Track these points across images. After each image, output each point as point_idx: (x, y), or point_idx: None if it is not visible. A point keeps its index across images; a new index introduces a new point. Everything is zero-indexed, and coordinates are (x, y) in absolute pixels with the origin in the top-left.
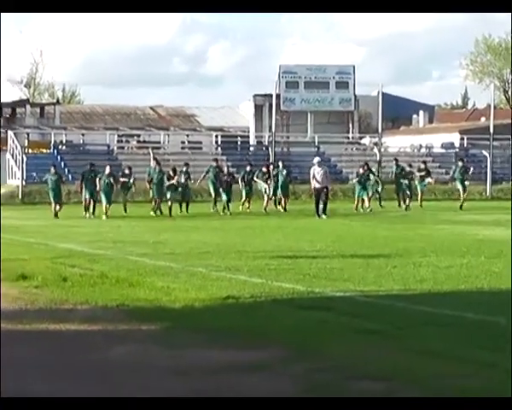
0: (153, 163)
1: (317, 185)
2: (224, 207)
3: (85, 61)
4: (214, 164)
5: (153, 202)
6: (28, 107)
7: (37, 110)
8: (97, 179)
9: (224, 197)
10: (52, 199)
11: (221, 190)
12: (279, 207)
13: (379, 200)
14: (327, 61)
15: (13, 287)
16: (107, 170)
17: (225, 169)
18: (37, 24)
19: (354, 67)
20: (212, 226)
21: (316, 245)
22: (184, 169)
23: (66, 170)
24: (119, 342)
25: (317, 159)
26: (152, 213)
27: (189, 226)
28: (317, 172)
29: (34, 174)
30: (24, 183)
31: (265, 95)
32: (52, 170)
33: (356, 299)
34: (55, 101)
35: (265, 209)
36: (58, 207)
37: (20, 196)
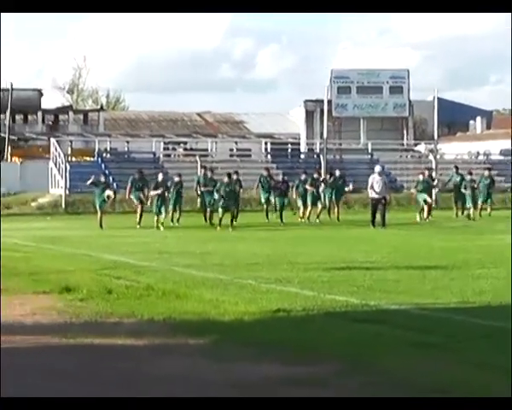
0: (200, 171)
1: (375, 195)
2: (277, 217)
3: (130, 66)
4: (265, 173)
5: (207, 212)
6: (71, 113)
7: (81, 117)
8: (146, 188)
9: (278, 206)
10: (98, 208)
11: (274, 198)
12: (332, 216)
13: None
14: (380, 65)
15: (58, 300)
16: (177, 178)
17: (280, 177)
18: (81, 28)
19: (408, 71)
20: (261, 236)
21: (370, 256)
22: (235, 177)
23: (110, 178)
24: (166, 356)
25: (378, 168)
26: (207, 222)
27: (236, 236)
28: (376, 181)
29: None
30: (67, 192)
31: (316, 100)
32: (102, 179)
33: (411, 312)
34: (98, 107)
35: (318, 217)
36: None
37: (63, 206)
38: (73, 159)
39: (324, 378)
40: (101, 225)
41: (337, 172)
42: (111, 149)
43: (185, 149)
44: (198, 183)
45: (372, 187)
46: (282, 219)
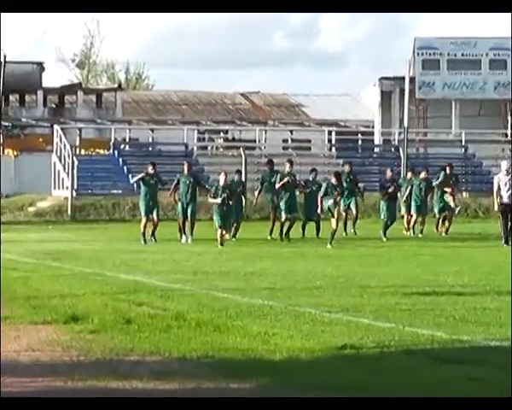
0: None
1: (505, 200)
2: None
3: (156, 34)
4: (347, 168)
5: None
6: (81, 93)
7: (93, 98)
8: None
9: (354, 211)
10: (144, 212)
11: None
12: (441, 229)
13: None
14: (478, 32)
15: (62, 332)
16: (236, 177)
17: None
18: None
19: None
20: (325, 253)
21: (462, 278)
22: (236, 178)
23: (129, 177)
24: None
25: (504, 164)
26: (270, 236)
27: (293, 252)
28: (503, 182)
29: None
30: (74, 194)
31: (395, 78)
32: (150, 169)
33: None
34: (115, 86)
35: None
36: (152, 221)
37: (69, 212)
38: (83, 152)
39: None
40: (144, 238)
41: (423, 173)
42: (131, 139)
43: (226, 140)
44: (262, 180)
45: (499, 190)
46: (385, 234)
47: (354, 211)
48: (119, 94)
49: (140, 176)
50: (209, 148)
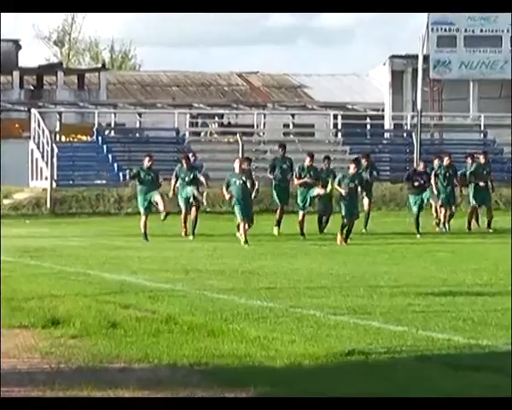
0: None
1: None
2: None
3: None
4: (364, 161)
5: (278, 214)
6: (61, 74)
7: (75, 79)
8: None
9: (416, 208)
10: (143, 209)
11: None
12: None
13: None
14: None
15: (41, 337)
16: (243, 165)
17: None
18: None
19: None
20: (330, 249)
21: (481, 277)
22: (245, 166)
23: (115, 165)
24: None
25: None
26: (275, 230)
27: (295, 249)
28: None
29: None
30: (54, 185)
31: (407, 56)
32: (146, 162)
33: None
34: (99, 66)
35: (443, 224)
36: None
37: (48, 205)
38: (63, 138)
39: None
40: (145, 236)
41: (445, 160)
42: (116, 124)
43: (221, 125)
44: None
45: None
46: (418, 230)
47: (366, 206)
48: (104, 74)
49: (134, 172)
50: (202, 134)
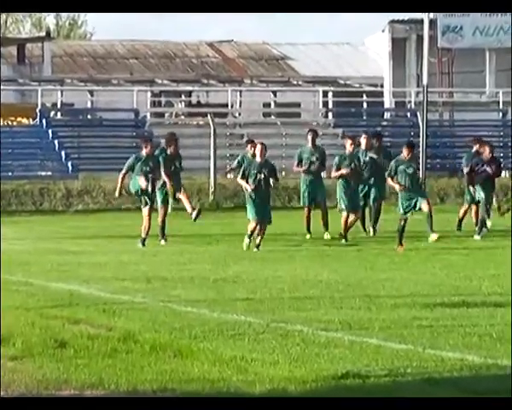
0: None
1: None
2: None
3: None
4: (376, 142)
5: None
6: None
7: (13, 51)
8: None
9: (483, 201)
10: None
11: (473, 191)
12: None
13: None
14: None
15: None
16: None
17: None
18: None
19: None
20: (319, 252)
21: (502, 284)
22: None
23: (62, 153)
24: None
25: None
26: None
27: (278, 252)
28: None
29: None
30: None
31: (410, 21)
32: (144, 149)
33: None
34: (42, 34)
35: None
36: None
37: None
38: (1, 121)
39: None
40: (143, 242)
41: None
42: (63, 104)
43: (189, 105)
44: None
45: None
46: (484, 227)
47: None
48: (48, 45)
49: (128, 164)
50: (166, 115)
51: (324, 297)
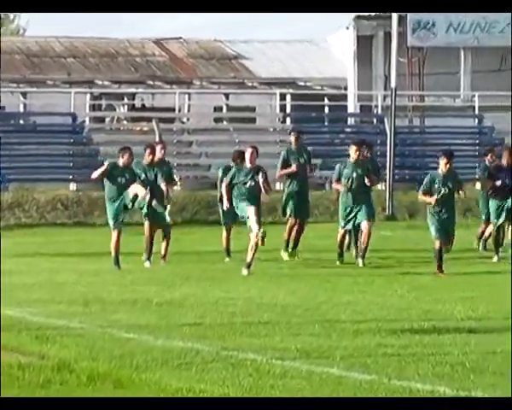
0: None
1: None
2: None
3: None
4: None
5: (224, 232)
6: None
7: None
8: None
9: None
10: (113, 223)
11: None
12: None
13: None
14: None
15: None
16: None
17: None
18: None
19: None
20: (275, 271)
21: (477, 308)
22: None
23: None
24: None
25: None
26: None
27: (230, 271)
28: None
29: None
30: None
31: (378, 17)
32: (121, 159)
33: None
34: None
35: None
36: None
37: None
38: None
39: None
40: (117, 261)
41: None
42: None
43: (132, 109)
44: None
45: None
46: (498, 250)
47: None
48: None
49: (102, 169)
50: (107, 120)
51: (280, 322)
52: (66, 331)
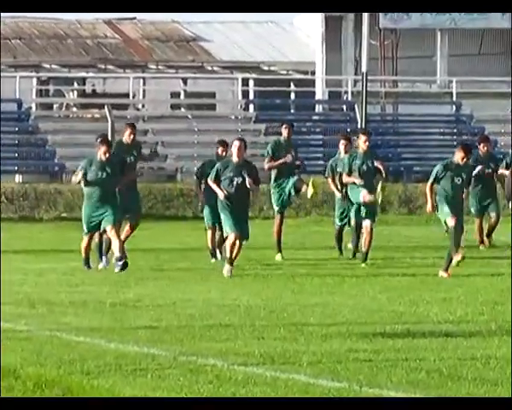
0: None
1: None
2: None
3: None
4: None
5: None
6: None
7: None
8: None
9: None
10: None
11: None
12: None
13: None
14: None
15: None
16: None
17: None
18: None
19: None
20: (238, 271)
21: (454, 310)
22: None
23: None
24: None
25: None
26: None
27: (188, 270)
28: None
29: None
30: None
31: None
32: (102, 152)
33: None
34: None
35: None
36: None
37: None
38: None
39: None
40: (87, 262)
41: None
42: None
43: (82, 95)
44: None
45: None
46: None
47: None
48: None
49: (81, 169)
50: (56, 106)
51: (243, 325)
52: (12, 335)
